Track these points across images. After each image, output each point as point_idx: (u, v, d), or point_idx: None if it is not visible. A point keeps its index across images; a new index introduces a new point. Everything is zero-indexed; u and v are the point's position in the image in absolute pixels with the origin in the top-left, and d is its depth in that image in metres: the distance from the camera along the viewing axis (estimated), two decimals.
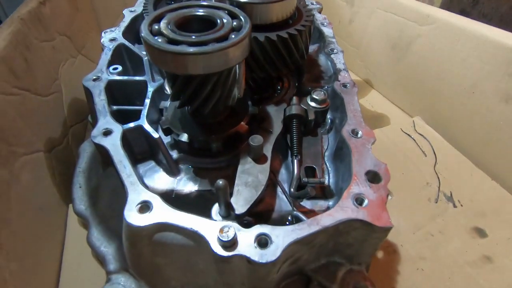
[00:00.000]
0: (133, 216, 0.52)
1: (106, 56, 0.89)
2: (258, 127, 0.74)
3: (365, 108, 1.30)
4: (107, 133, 0.67)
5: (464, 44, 0.99)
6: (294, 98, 0.79)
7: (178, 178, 0.72)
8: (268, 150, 0.67)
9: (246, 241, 0.49)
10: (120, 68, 0.86)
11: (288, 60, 0.74)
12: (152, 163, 0.74)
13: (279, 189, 0.69)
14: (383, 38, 1.31)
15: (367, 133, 0.69)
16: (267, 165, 0.64)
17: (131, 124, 0.69)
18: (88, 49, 1.34)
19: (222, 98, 0.63)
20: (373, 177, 0.61)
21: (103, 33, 1.01)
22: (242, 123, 0.72)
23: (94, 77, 0.81)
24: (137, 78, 0.83)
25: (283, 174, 0.73)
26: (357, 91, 0.82)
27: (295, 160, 0.69)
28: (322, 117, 0.81)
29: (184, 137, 0.68)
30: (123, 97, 0.84)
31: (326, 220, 0.52)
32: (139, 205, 0.53)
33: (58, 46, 1.11)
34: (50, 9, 1.06)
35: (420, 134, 1.08)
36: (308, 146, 0.76)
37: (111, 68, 0.85)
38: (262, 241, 0.50)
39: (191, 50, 0.51)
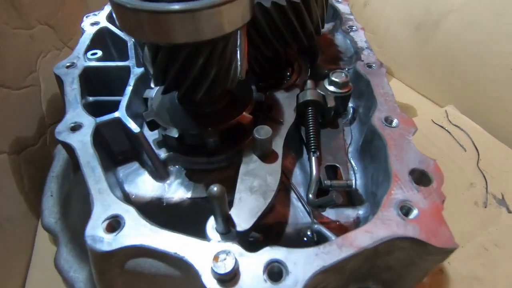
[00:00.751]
0: (97, 237, 0.38)
1: (84, 40, 0.76)
2: (265, 118, 0.59)
3: None
4: (75, 128, 0.53)
5: None
6: (309, 81, 0.65)
7: (167, 182, 0.58)
8: (278, 146, 0.53)
9: (251, 271, 0.35)
10: (100, 53, 0.72)
11: (300, 32, 0.60)
12: (135, 165, 0.60)
13: (293, 195, 0.54)
14: (405, 18, 1.15)
15: (404, 121, 0.54)
16: (277, 165, 0.50)
17: (107, 117, 0.56)
18: (77, 41, 1.22)
19: (218, 78, 0.49)
20: (419, 178, 0.46)
21: (84, 17, 0.88)
22: (244, 112, 0.57)
23: (68, 64, 0.68)
24: (119, 63, 0.70)
25: (297, 176, 0.58)
26: (386, 72, 0.67)
27: (313, 158, 0.54)
28: (343, 105, 0.66)
29: (173, 132, 0.54)
30: (103, 87, 0.70)
31: (363, 239, 0.38)
32: (107, 222, 0.40)
33: (38, 35, 0.98)
34: None
35: (456, 126, 0.92)
36: (327, 140, 0.61)
37: (89, 53, 0.72)
38: (275, 271, 0.35)
39: (173, 7, 0.37)
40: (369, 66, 0.67)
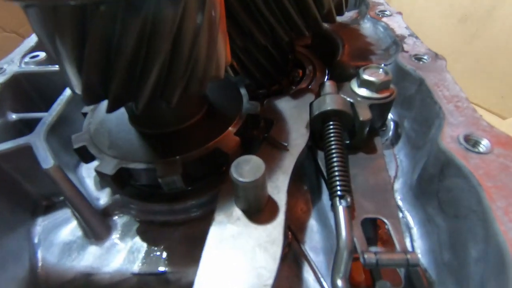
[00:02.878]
0: None
1: (29, 41, 0.58)
2: (260, 140, 0.37)
3: None
4: None
5: None
6: (328, 83, 0.43)
7: (105, 245, 0.36)
8: (280, 189, 0.30)
9: None
10: (42, 55, 0.54)
11: (312, 7, 0.39)
12: (67, 214, 0.39)
13: (307, 269, 0.32)
14: (445, 10, 0.93)
15: (501, 143, 0.31)
16: (278, 226, 0.27)
17: (11, 144, 0.36)
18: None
19: (172, 75, 0.28)
20: None
21: None
22: (227, 132, 0.36)
23: None
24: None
25: (314, 234, 0.36)
26: (446, 65, 0.44)
27: (340, 208, 0.32)
28: (381, 117, 0.44)
29: (107, 166, 0.33)
30: (41, 99, 0.51)
31: None
32: None
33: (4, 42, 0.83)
34: None
35: None
36: (361, 172, 0.38)
37: (28, 56, 0.54)
38: None
39: None
40: (419, 58, 0.45)
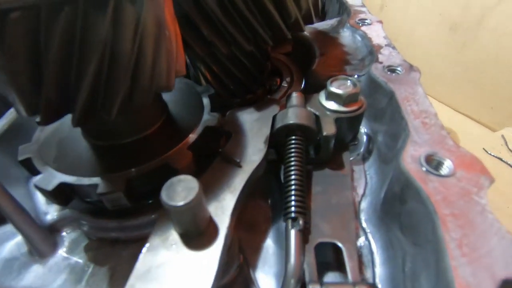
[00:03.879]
0: None
1: None
2: (213, 154, 0.35)
3: None
4: None
5: None
6: (294, 94, 0.41)
7: (50, 262, 0.34)
8: (226, 210, 0.28)
9: None
10: None
11: (274, 14, 0.37)
12: (6, 228, 0.37)
13: None
14: (435, 19, 0.91)
15: (465, 164, 0.29)
16: (214, 252, 0.25)
17: None
18: None
19: (111, 82, 0.26)
20: None
21: None
22: (183, 142, 0.34)
23: None
24: None
25: (269, 258, 0.33)
26: (419, 77, 0.42)
27: (292, 231, 0.29)
28: (351, 130, 0.41)
29: (45, 180, 0.31)
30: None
31: None
32: None
33: None
34: None
35: None
36: (325, 190, 0.36)
37: None
38: None
39: None
40: (392, 70, 0.43)
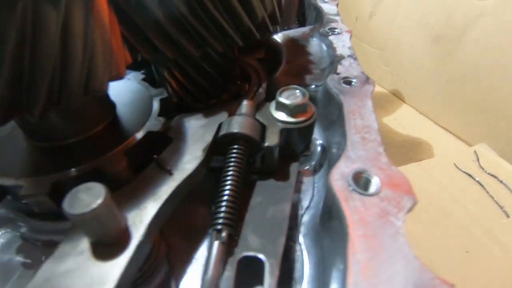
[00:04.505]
0: None
1: None
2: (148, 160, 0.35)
3: (393, 130, 0.87)
4: None
5: None
6: (245, 102, 0.40)
7: None
8: (144, 220, 0.28)
9: None
10: None
11: (242, 14, 0.37)
12: None
13: None
14: (420, 29, 0.90)
15: (393, 184, 0.28)
16: (118, 264, 0.25)
17: None
18: None
19: (33, 78, 0.26)
20: None
21: None
22: (119, 147, 0.34)
23: None
24: None
25: (198, 270, 0.33)
26: (373, 91, 0.41)
27: (216, 243, 0.29)
28: (302, 141, 0.41)
29: None
30: None
31: None
32: None
33: None
34: None
35: (491, 175, 0.63)
36: (263, 201, 0.36)
37: None
38: None
39: None
40: (348, 82, 0.43)
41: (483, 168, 0.65)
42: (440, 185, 0.63)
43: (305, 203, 0.39)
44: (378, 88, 1.13)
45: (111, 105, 0.39)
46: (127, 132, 0.37)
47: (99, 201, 0.23)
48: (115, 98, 0.42)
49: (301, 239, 0.35)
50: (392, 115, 0.93)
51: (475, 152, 0.69)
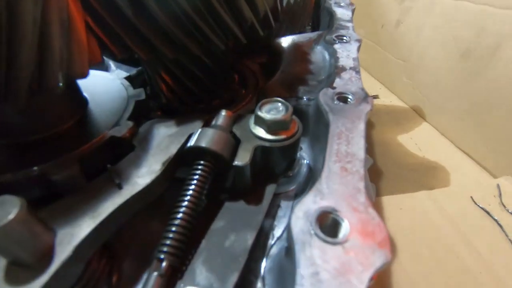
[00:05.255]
0: None
1: None
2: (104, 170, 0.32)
3: (408, 151, 0.79)
4: None
5: None
6: (222, 113, 0.36)
7: None
8: (74, 239, 0.25)
9: None
10: None
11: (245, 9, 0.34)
12: None
13: None
14: (448, 43, 0.82)
15: (365, 231, 0.23)
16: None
17: None
18: None
19: None
20: None
21: None
22: (74, 152, 0.31)
23: None
24: None
25: None
26: (369, 111, 0.36)
27: (154, 274, 0.25)
28: (282, 162, 0.36)
29: None
30: None
31: None
32: None
33: None
34: None
35: None
36: (225, 227, 0.31)
37: None
38: None
39: None
40: (342, 98, 0.37)
41: (504, 206, 0.57)
42: (450, 220, 0.56)
43: (277, 231, 0.34)
44: (397, 102, 1.05)
45: (79, 103, 0.37)
46: (91, 135, 0.34)
47: (11, 216, 0.20)
48: (89, 96, 0.40)
49: (264, 274, 0.31)
50: (408, 134, 0.86)
51: (497, 185, 0.61)
